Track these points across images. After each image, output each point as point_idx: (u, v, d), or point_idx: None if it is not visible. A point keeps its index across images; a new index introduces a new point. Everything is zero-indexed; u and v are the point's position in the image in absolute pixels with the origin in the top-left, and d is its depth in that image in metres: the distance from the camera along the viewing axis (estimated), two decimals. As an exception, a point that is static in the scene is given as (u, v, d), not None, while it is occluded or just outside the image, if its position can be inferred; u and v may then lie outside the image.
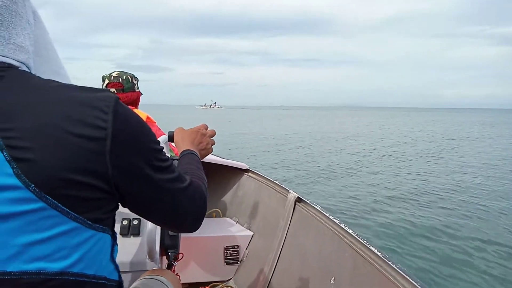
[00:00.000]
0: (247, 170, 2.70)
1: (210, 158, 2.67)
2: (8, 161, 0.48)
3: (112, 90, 2.02)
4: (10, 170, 0.48)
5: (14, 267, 0.49)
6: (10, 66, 0.56)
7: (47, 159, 0.50)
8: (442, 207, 7.01)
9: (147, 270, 1.25)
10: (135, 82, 2.13)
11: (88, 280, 0.55)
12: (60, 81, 0.57)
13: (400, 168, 11.32)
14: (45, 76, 0.59)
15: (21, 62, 0.59)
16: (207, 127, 1.12)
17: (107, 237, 0.59)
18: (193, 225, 0.74)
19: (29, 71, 0.61)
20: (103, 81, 2.07)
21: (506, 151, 15.83)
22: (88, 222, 0.54)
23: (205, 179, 0.84)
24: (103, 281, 0.58)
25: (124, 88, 2.05)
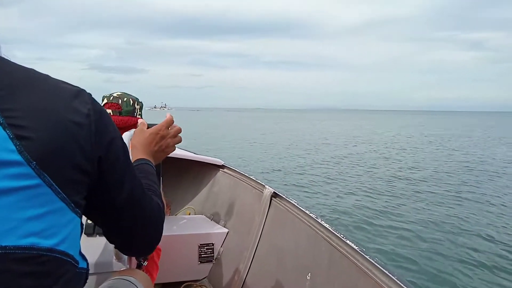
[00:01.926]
0: (223, 166, 2.65)
1: (184, 154, 2.61)
2: (11, 139, 0.50)
3: (109, 111, 1.79)
4: (13, 147, 0.50)
5: (10, 241, 0.50)
6: None
7: (47, 139, 0.53)
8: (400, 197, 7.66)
9: (114, 271, 1.21)
10: (137, 107, 1.89)
11: (69, 260, 0.57)
12: None
13: (357, 165, 12.65)
14: None
15: None
16: (173, 122, 1.04)
17: (81, 224, 0.61)
18: (150, 243, 0.78)
19: None
20: (102, 100, 1.86)
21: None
22: (72, 204, 0.56)
23: (162, 200, 0.84)
24: (79, 265, 0.61)
25: (121, 111, 1.82)
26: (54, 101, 0.56)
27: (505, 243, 5.19)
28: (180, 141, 1.05)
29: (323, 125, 43.68)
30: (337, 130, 34.66)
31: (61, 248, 0.55)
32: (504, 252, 4.89)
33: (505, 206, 7.15)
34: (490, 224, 6.09)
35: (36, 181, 0.51)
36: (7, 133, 0.50)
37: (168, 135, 1.01)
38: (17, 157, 0.50)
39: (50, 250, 0.54)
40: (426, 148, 18.29)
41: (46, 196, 0.53)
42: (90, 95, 0.62)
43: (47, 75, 0.60)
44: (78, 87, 0.61)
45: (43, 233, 0.53)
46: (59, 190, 0.54)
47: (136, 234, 0.75)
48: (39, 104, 0.54)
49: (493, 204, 7.26)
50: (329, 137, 25.49)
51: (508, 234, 5.60)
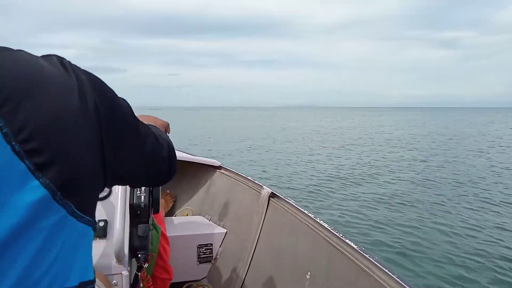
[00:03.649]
0: (219, 167, 2.67)
1: (181, 155, 2.62)
2: (33, 172, 0.43)
3: None
4: (37, 182, 0.43)
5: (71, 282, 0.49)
6: None
7: (67, 160, 0.46)
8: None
9: (114, 274, 1.20)
10: None
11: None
12: None
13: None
14: None
15: None
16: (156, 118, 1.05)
17: None
18: (171, 170, 0.76)
19: None
20: None
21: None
22: (94, 224, 0.55)
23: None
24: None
25: None
26: (63, 105, 0.47)
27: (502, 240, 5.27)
28: (167, 132, 1.04)
29: (314, 122, 43.95)
30: (323, 125, 35.66)
31: (92, 276, 0.53)
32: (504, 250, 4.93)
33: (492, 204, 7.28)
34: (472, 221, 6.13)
35: (63, 213, 0.46)
36: (27, 164, 0.42)
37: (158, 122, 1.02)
38: (42, 192, 0.43)
39: (91, 282, 0.53)
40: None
41: (73, 227, 0.48)
42: (98, 79, 0.55)
43: (49, 66, 0.49)
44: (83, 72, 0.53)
45: (87, 267, 0.51)
46: (82, 214, 0.49)
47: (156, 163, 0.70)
48: (48, 114, 0.45)
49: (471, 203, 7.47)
50: (315, 133, 26.05)
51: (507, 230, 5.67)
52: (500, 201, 7.25)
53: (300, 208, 1.77)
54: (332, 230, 1.50)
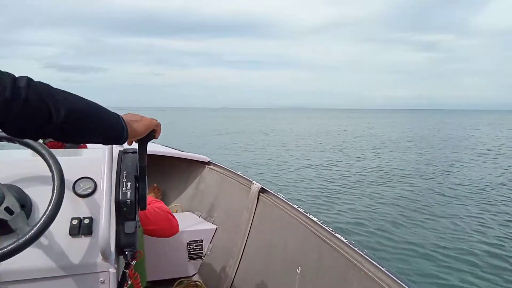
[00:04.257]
0: (208, 163, 2.66)
1: (169, 151, 2.62)
2: None
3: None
4: None
5: None
6: None
7: None
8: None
9: (100, 272, 1.20)
10: None
11: None
12: None
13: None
14: None
15: None
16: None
17: None
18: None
19: None
20: None
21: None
22: None
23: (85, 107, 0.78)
24: None
25: None
26: None
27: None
28: (155, 126, 1.03)
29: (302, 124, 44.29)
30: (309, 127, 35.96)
31: None
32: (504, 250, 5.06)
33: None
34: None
35: None
36: None
37: (146, 119, 1.01)
38: None
39: None
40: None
41: None
42: None
43: None
44: None
45: None
46: None
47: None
48: None
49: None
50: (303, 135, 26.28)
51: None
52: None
53: (289, 203, 1.79)
54: (322, 224, 1.52)
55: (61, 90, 0.73)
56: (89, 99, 0.81)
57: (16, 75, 0.67)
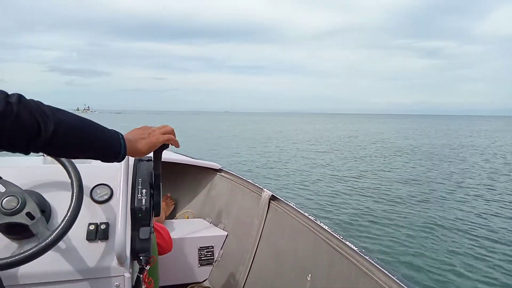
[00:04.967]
0: (220, 170, 2.67)
1: (181, 158, 2.64)
2: None
3: None
4: None
5: None
6: None
7: None
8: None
9: (116, 276, 1.22)
10: None
11: None
12: None
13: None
14: None
15: None
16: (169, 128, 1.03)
17: None
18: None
19: None
20: None
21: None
22: None
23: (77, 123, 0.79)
24: None
25: None
26: None
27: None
28: (170, 138, 1.01)
29: (311, 127, 44.57)
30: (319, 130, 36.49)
31: None
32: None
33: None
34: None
35: None
36: None
37: (156, 129, 0.99)
38: None
39: None
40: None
41: None
42: None
43: None
44: None
45: None
46: None
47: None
48: None
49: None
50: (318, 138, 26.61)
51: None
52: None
53: (300, 211, 1.79)
54: (332, 232, 1.51)
55: (53, 107, 0.75)
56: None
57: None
